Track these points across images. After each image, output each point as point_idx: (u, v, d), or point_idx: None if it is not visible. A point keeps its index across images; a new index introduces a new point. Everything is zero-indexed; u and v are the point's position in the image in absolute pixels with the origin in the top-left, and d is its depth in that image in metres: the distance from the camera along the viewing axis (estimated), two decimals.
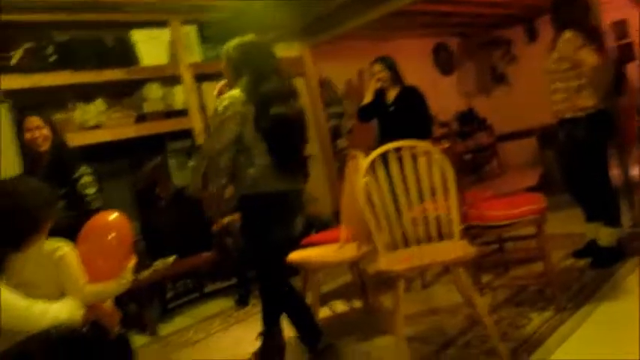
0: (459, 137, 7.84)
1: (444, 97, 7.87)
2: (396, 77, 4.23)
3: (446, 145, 3.65)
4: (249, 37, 2.68)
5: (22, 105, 3.98)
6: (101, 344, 1.79)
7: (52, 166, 3.03)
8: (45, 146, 3.07)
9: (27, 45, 4.12)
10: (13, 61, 4.03)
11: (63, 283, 1.87)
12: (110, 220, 2.06)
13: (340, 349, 2.67)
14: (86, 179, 3.06)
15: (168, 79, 4.92)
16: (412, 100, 4.19)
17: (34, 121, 3.11)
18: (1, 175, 3.58)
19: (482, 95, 8.65)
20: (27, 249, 1.88)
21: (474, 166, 7.82)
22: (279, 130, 2.55)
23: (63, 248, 1.89)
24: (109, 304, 1.97)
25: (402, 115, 4.13)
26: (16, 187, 1.89)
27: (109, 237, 2.00)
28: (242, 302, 3.98)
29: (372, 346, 2.84)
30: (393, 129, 4.02)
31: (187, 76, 4.88)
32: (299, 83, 5.35)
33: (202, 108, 4.82)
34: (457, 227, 2.67)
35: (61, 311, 1.71)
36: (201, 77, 4.94)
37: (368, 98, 4.33)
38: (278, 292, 2.66)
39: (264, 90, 2.54)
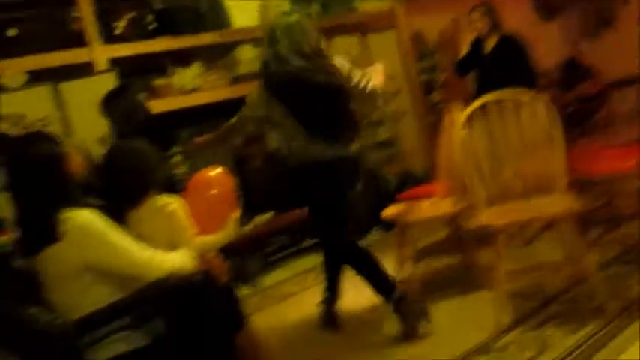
0: (561, 87, 7.37)
1: (545, 44, 7.37)
2: (494, 25, 4.01)
3: (548, 96, 3.45)
4: (278, 20, 2.70)
5: (126, 72, 4.23)
6: (211, 292, 1.91)
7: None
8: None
9: (129, 15, 4.33)
10: (118, 31, 4.26)
11: (174, 235, 2.00)
12: (213, 175, 2.17)
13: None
14: (177, 159, 3.19)
15: (261, 40, 4.99)
16: (512, 49, 3.96)
17: None
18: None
19: (587, 41, 8.02)
20: (142, 205, 2.03)
21: (579, 118, 7.35)
22: (300, 101, 2.56)
23: (173, 204, 2.02)
24: (217, 256, 2.10)
25: (501, 66, 3.91)
26: (134, 150, 2.03)
27: (213, 191, 2.11)
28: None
29: (469, 301, 2.81)
30: (491, 81, 3.83)
31: None
32: (390, 37, 5.24)
33: None
34: (562, 181, 2.55)
35: (178, 261, 1.85)
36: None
37: (464, 50, 4.15)
38: (344, 254, 2.72)
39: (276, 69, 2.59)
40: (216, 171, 2.20)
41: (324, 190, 2.62)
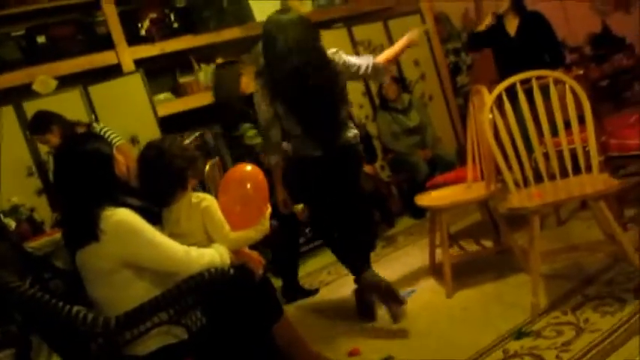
0: (593, 62, 7.16)
1: (574, 18, 7.17)
2: (518, 2, 3.92)
3: (578, 72, 3.37)
4: (275, 16, 2.71)
5: (152, 71, 4.29)
6: (248, 285, 1.94)
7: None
8: None
9: (152, 15, 4.38)
10: (142, 32, 4.31)
11: (209, 231, 2.04)
12: (246, 171, 2.20)
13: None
14: (250, 132, 3.62)
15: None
16: (538, 27, 3.86)
17: None
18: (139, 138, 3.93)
19: (619, 12, 7.76)
20: (177, 202, 2.07)
21: (612, 92, 7.14)
22: (295, 101, 2.62)
23: (207, 199, 2.06)
24: (252, 250, 2.13)
25: (527, 45, 3.82)
26: (164, 149, 2.06)
27: (247, 187, 2.14)
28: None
29: (504, 285, 2.79)
30: (518, 61, 3.75)
31: None
32: (414, 21, 5.17)
33: None
34: (596, 159, 2.49)
35: (214, 256, 1.88)
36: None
37: (482, 26, 4.06)
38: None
39: (276, 66, 2.64)
40: (249, 167, 2.23)
41: (324, 186, 2.75)
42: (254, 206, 2.14)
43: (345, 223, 2.87)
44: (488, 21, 4.04)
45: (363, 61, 2.74)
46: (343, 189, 2.82)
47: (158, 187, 2.05)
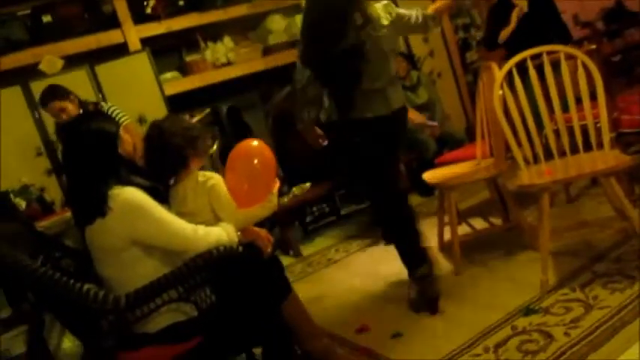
0: (605, 37, 7.03)
1: None
2: None
3: (591, 47, 3.31)
4: None
5: (158, 50, 4.27)
6: (256, 263, 1.94)
7: None
8: None
9: None
10: (148, 10, 4.28)
11: (216, 209, 2.04)
12: (253, 147, 2.18)
13: (436, 281, 2.58)
14: None
15: (290, 8, 4.94)
16: (546, 7, 3.84)
17: None
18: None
19: None
20: (182, 181, 2.07)
21: (625, 68, 7.03)
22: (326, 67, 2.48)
23: (213, 178, 2.06)
24: (261, 228, 2.13)
25: (537, 24, 3.78)
26: (167, 127, 2.06)
27: (254, 163, 2.13)
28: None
29: (514, 262, 2.79)
30: (528, 39, 3.69)
31: None
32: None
33: None
34: (607, 135, 2.47)
35: (221, 234, 1.89)
36: None
37: (508, 31, 3.97)
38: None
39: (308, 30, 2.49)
40: (255, 142, 2.21)
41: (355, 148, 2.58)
42: (262, 182, 2.14)
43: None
44: (512, 26, 3.94)
45: (412, 12, 2.63)
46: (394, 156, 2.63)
47: (160, 165, 2.06)
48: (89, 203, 1.79)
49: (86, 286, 1.66)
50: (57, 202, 3.72)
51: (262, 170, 2.14)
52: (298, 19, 4.96)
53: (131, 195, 1.79)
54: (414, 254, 2.59)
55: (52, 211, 3.61)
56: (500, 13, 3.96)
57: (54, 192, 3.76)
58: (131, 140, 2.07)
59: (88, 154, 1.83)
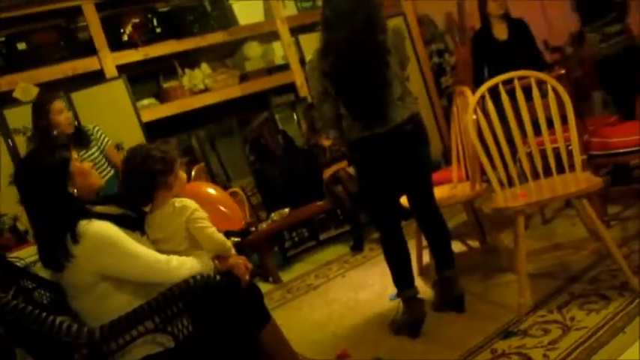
0: (577, 61, 7.23)
1: (556, 18, 7.24)
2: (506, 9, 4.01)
3: (561, 71, 3.40)
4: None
5: (135, 77, 4.26)
6: (234, 292, 1.92)
7: None
8: None
9: (134, 20, 4.35)
10: (125, 37, 4.28)
11: (195, 235, 2.02)
12: (195, 185, 2.21)
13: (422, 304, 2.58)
14: None
15: (267, 35, 4.99)
16: (525, 33, 3.97)
17: None
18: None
19: None
20: (159, 208, 2.05)
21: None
22: (341, 80, 2.45)
23: (188, 204, 2.04)
24: (240, 257, 2.12)
25: (516, 50, 3.89)
26: (142, 153, 2.05)
27: (212, 193, 2.14)
28: (357, 248, 4.07)
29: (492, 284, 2.80)
30: (506, 65, 3.78)
31: (284, 31, 4.91)
32: (398, 22, 5.19)
33: (302, 61, 4.85)
34: (578, 158, 2.52)
35: (195, 263, 1.87)
36: (298, 30, 4.95)
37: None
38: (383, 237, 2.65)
39: (326, 40, 2.45)
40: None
41: (366, 167, 2.60)
42: (231, 202, 2.16)
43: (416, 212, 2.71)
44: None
45: None
46: (401, 175, 2.58)
47: (137, 191, 2.04)
48: (53, 254, 1.76)
49: (59, 319, 1.63)
50: (30, 232, 3.65)
51: (217, 193, 2.16)
52: (275, 45, 5.02)
53: (98, 229, 1.76)
54: (402, 274, 2.60)
55: (26, 240, 3.53)
56: (481, 48, 4.07)
57: (27, 221, 3.68)
58: (88, 169, 2.02)
59: (38, 194, 1.81)
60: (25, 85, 3.84)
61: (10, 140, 3.71)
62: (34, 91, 3.85)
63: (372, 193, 2.63)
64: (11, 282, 1.86)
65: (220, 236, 2.07)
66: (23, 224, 3.66)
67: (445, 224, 2.72)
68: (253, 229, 3.98)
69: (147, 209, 2.10)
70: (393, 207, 2.65)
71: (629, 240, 2.82)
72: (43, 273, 2.33)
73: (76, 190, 1.87)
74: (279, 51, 5.03)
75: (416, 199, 2.70)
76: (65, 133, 3.30)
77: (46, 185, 1.81)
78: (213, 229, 2.05)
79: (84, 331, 1.63)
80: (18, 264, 2.71)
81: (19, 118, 3.69)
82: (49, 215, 1.79)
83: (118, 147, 3.97)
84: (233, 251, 2.12)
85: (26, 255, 3.04)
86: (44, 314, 1.62)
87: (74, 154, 1.93)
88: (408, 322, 2.54)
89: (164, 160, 2.04)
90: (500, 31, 3.99)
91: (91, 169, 1.98)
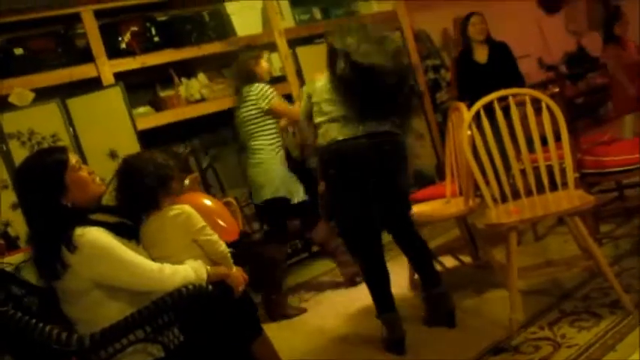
0: (569, 80, 7.31)
1: (550, 37, 7.34)
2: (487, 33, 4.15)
3: (554, 89, 3.44)
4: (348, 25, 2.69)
5: (131, 84, 4.26)
6: (226, 302, 1.92)
7: None
8: None
9: (132, 28, 4.36)
10: (122, 45, 4.29)
11: (198, 240, 2.02)
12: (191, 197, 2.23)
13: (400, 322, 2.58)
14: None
15: (264, 47, 5.01)
16: (506, 56, 4.11)
17: None
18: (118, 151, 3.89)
19: (593, 32, 7.95)
20: (154, 217, 2.04)
21: (587, 110, 7.29)
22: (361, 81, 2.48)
23: (185, 210, 2.03)
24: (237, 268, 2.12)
25: (497, 72, 3.99)
26: (138, 162, 2.05)
27: (207, 204, 2.16)
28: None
29: (484, 300, 2.80)
30: (488, 87, 3.84)
31: (282, 43, 4.93)
32: (394, 37, 5.23)
33: (299, 73, 4.87)
34: (572, 175, 2.54)
35: (189, 272, 1.86)
36: (296, 42, 4.98)
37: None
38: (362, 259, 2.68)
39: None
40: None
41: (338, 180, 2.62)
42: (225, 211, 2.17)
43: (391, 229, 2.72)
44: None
45: None
46: (380, 188, 2.57)
47: (130, 204, 2.04)
48: (49, 264, 1.76)
49: (49, 327, 1.62)
50: (22, 237, 3.62)
51: (213, 204, 2.17)
52: (272, 56, 5.04)
53: (93, 237, 1.76)
54: (382, 298, 2.61)
55: (17, 246, 3.50)
56: (462, 70, 4.17)
57: (19, 227, 3.66)
58: (97, 179, 2.01)
59: (37, 199, 1.81)
60: (20, 90, 3.82)
61: (4, 145, 3.69)
62: (30, 96, 3.84)
63: (348, 220, 2.63)
64: (1, 288, 1.85)
65: (225, 248, 2.07)
66: (15, 230, 3.63)
67: (425, 244, 2.75)
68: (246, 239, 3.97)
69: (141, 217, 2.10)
70: (373, 235, 2.64)
71: (621, 258, 2.84)
72: (31, 277, 2.32)
73: (70, 204, 1.85)
74: (276, 63, 5.05)
75: (393, 223, 2.72)
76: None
77: (39, 192, 1.80)
78: (221, 242, 2.06)
79: (74, 339, 1.62)
80: (7, 269, 2.70)
81: (14, 123, 3.68)
82: (44, 223, 1.78)
83: (112, 154, 3.96)
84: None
85: (16, 261, 3.02)
86: (34, 321, 1.61)
87: (72, 159, 1.90)
88: (391, 342, 2.55)
89: (169, 166, 2.06)
90: (481, 55, 4.12)
91: (90, 178, 1.93)
